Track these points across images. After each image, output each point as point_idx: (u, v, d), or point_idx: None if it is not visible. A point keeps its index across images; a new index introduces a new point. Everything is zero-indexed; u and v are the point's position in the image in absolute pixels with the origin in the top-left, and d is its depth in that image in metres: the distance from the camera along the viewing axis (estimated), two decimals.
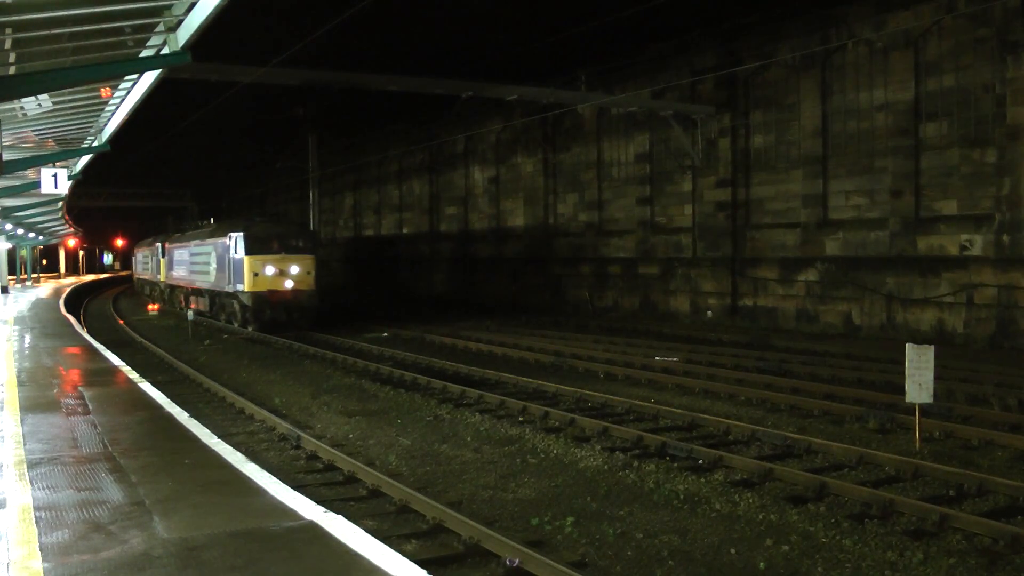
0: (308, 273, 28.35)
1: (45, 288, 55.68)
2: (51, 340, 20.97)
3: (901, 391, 11.77)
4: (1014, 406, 13.80)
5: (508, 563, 7.17)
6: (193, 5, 11.51)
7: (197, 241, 34.67)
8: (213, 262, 31.21)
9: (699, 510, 9.02)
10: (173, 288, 41.13)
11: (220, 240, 30.49)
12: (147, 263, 52.25)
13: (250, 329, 28.08)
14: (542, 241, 38.03)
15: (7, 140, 19.52)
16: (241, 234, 28.38)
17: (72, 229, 71.34)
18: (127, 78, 16.08)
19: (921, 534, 8.12)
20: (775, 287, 26.98)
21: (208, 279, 32.22)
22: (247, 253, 27.81)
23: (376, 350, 23.03)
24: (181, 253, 38.11)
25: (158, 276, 44.65)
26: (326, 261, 51.12)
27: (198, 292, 35.42)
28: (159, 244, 44.38)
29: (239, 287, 28.22)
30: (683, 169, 30.52)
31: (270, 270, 27.56)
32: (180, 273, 38.34)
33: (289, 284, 27.76)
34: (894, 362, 13.19)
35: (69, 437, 9.41)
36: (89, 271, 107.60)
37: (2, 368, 15.23)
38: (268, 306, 27.60)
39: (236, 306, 29.04)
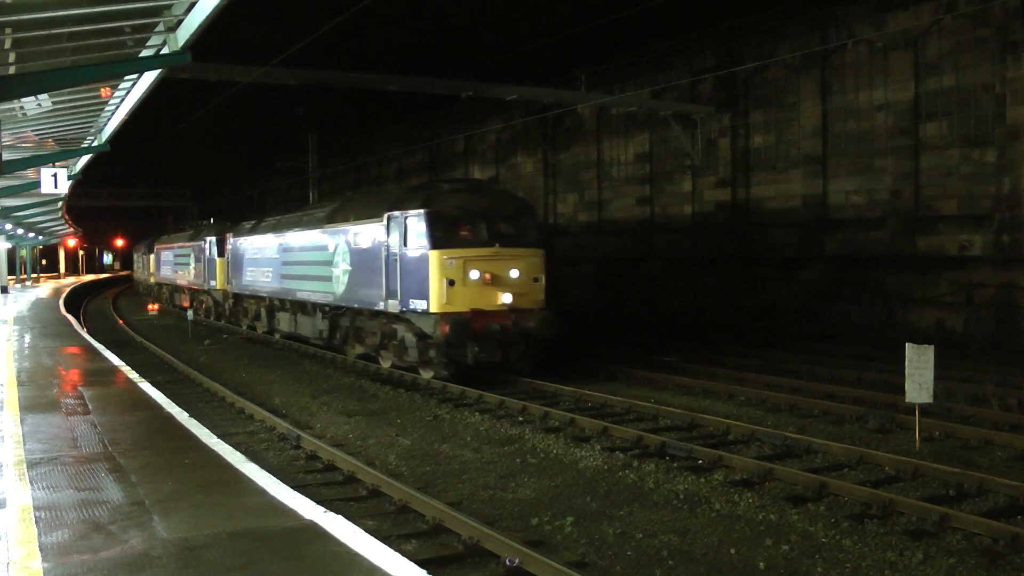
0: (535, 280, 16.72)
1: (45, 288, 55.66)
2: (51, 340, 20.97)
3: (901, 391, 11.77)
4: (1014, 406, 13.80)
5: (508, 563, 7.17)
6: (193, 5, 11.51)
7: (298, 230, 23.19)
8: (342, 262, 19.53)
9: (699, 510, 9.02)
10: (239, 299, 30.02)
11: (361, 226, 18.72)
12: (177, 264, 40.44)
13: (427, 377, 16.96)
14: None
15: (7, 140, 19.53)
16: (422, 212, 16.39)
17: (72, 229, 71.32)
18: (127, 78, 16.08)
19: (921, 534, 8.11)
20: (775, 286, 26.99)
21: (328, 289, 20.48)
22: (433, 246, 16.06)
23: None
24: (262, 249, 26.25)
25: (210, 283, 33.37)
26: None
27: (296, 308, 23.60)
28: (209, 239, 33.29)
29: (415, 305, 16.32)
30: (683, 169, 30.53)
31: (475, 275, 16.04)
32: (260, 280, 26.36)
33: (507, 299, 16.18)
34: (894, 362, 13.18)
35: (69, 437, 9.41)
36: (89, 271, 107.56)
37: (2, 368, 15.23)
38: (472, 337, 15.90)
39: (404, 335, 17.31)
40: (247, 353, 23.31)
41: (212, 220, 42.98)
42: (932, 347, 11.48)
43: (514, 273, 16.35)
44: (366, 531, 6.17)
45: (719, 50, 28.99)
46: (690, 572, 7.40)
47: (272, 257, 24.88)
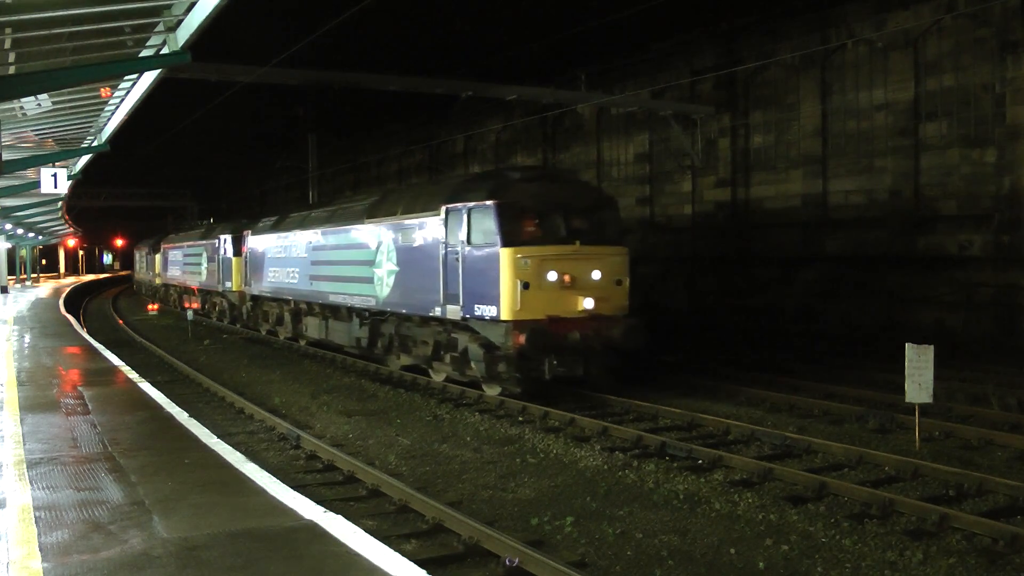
0: (618, 283, 14.82)
1: (45, 288, 55.66)
2: (51, 340, 20.97)
3: (901, 391, 11.77)
4: (1014, 406, 13.80)
5: (508, 563, 7.17)
6: (193, 5, 11.51)
7: (331, 226, 20.71)
8: (387, 261, 17.40)
9: (699, 510, 9.02)
10: (258, 301, 27.38)
11: (411, 220, 16.51)
12: (186, 264, 37.48)
13: (492, 393, 15.03)
14: None
15: (7, 140, 19.53)
16: (490, 204, 14.24)
17: (72, 229, 71.34)
18: (127, 78, 16.09)
19: (921, 534, 8.12)
20: (775, 286, 26.98)
21: (368, 292, 18.21)
22: (505, 243, 13.92)
23: None
24: (287, 248, 23.63)
25: (225, 284, 30.81)
26: None
27: (328, 313, 21.28)
28: (223, 237, 30.49)
29: (482, 311, 14.24)
30: (683, 169, 30.53)
31: (553, 277, 14.04)
32: (285, 281, 23.70)
33: (588, 304, 14.22)
34: (894, 361, 13.18)
35: (69, 437, 9.41)
36: (89, 271, 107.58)
37: (2, 368, 15.23)
38: (551, 346, 13.88)
39: (467, 346, 14.97)
40: (247, 353, 23.30)
41: (212, 220, 42.90)
42: (932, 347, 11.48)
43: (596, 275, 14.41)
44: (366, 531, 6.17)
45: (719, 50, 28.99)
46: (690, 572, 7.40)
47: (299, 256, 22.68)
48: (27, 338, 21.28)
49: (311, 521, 6.33)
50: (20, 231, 51.29)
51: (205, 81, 21.16)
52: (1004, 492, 9.30)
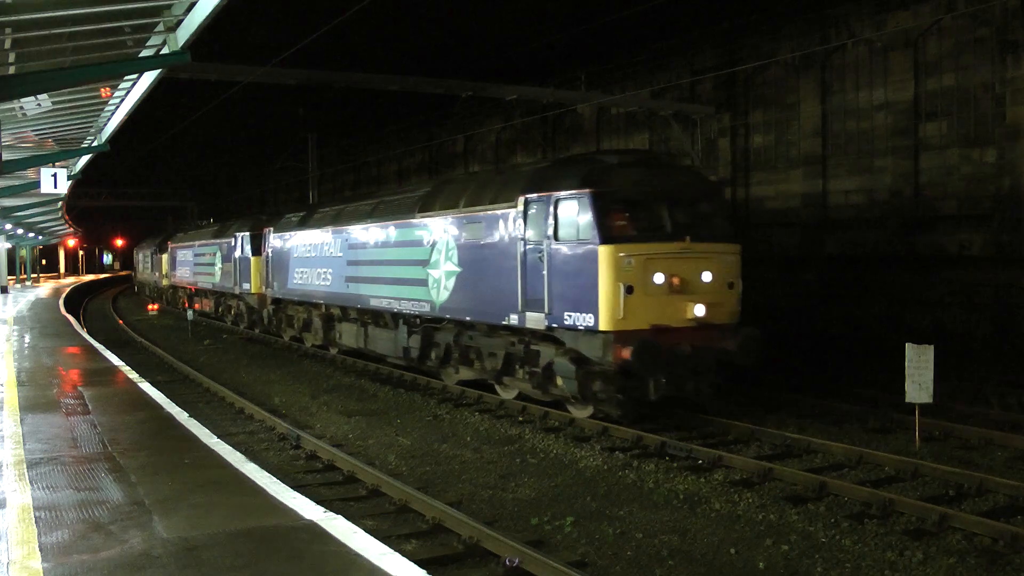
0: (730, 286, 12.85)
1: (45, 288, 55.67)
2: (51, 340, 20.97)
3: (901, 391, 11.77)
4: (1014, 406, 13.80)
5: (508, 563, 7.17)
6: (193, 5, 11.52)
7: (372, 221, 18.56)
8: (445, 261, 15.35)
9: (699, 510, 9.02)
10: (281, 305, 25.28)
11: (478, 213, 14.48)
12: (197, 264, 35.32)
13: (582, 416, 13.09)
14: None
15: (7, 140, 19.53)
16: (586, 194, 12.21)
17: (72, 229, 71.36)
18: (127, 78, 16.10)
19: (921, 534, 8.12)
20: (775, 286, 26.97)
21: (421, 296, 16.14)
22: (604, 239, 11.91)
23: None
24: (317, 246, 21.74)
25: (242, 286, 28.21)
26: None
27: (368, 319, 19.21)
28: (240, 235, 28.47)
29: (573, 319, 12.18)
30: None
31: (660, 279, 12.02)
32: (314, 283, 21.71)
33: (699, 311, 12.21)
34: (893, 361, 13.18)
35: (69, 437, 9.41)
36: (89, 271, 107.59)
37: (2, 368, 15.23)
38: (659, 360, 11.80)
39: (555, 360, 12.78)
40: (247, 353, 23.31)
41: (212, 220, 42.84)
42: (932, 347, 11.48)
43: (706, 276, 12.35)
44: (366, 531, 6.17)
45: (719, 50, 28.98)
46: (690, 572, 7.40)
47: (332, 255, 20.51)
48: (27, 338, 21.28)
49: (311, 521, 6.33)
50: (20, 231, 51.32)
51: (205, 81, 21.17)
52: (1004, 492, 9.30)
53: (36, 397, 12.09)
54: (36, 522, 6.33)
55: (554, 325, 12.53)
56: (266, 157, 56.89)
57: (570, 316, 12.22)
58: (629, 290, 11.72)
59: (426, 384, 16.81)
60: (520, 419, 13.65)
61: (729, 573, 7.37)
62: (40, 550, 5.71)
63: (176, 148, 49.75)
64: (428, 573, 5.36)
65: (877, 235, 24.21)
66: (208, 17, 11.40)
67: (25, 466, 8.05)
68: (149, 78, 15.82)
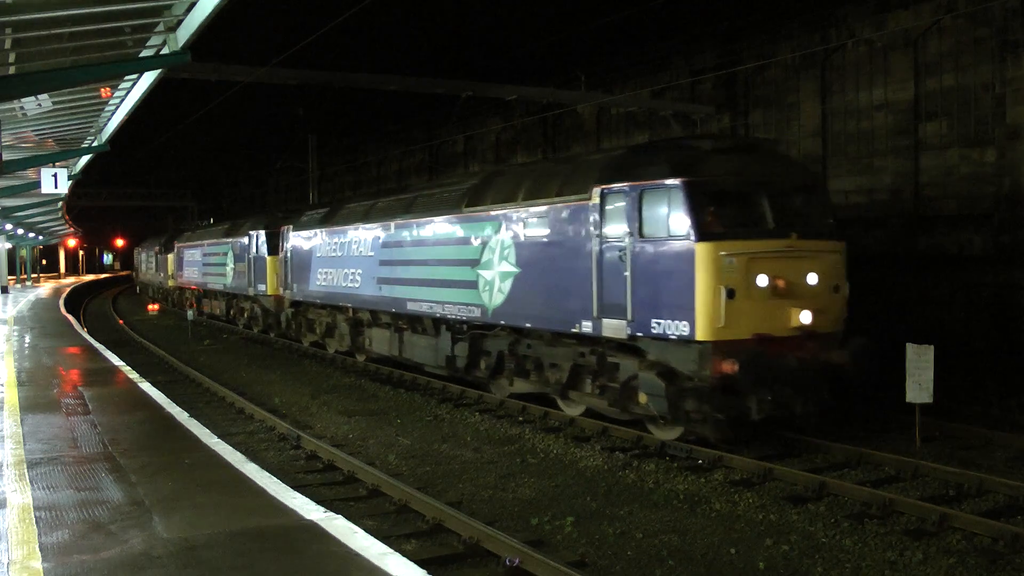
0: (836, 289, 11.35)
1: (45, 288, 55.66)
2: (51, 340, 20.97)
3: (901, 390, 11.77)
4: (1014, 406, 13.80)
5: (508, 563, 7.17)
6: (193, 5, 11.52)
7: (410, 217, 16.95)
8: (500, 261, 13.91)
9: (699, 510, 9.02)
10: (300, 308, 23.70)
11: (540, 207, 12.97)
12: (207, 264, 33.46)
13: (669, 438, 11.50)
14: None
15: (7, 140, 19.52)
16: (677, 183, 10.72)
17: (72, 229, 71.38)
18: (127, 78, 16.10)
19: (921, 534, 8.12)
20: None
21: (470, 299, 14.66)
22: (701, 236, 10.44)
23: None
24: (345, 245, 19.99)
25: (258, 287, 26.65)
26: None
27: (405, 324, 17.55)
28: (255, 233, 26.99)
29: (663, 327, 10.76)
30: None
31: (763, 282, 10.60)
32: (341, 285, 20.00)
33: (806, 318, 10.76)
34: (894, 361, 13.18)
35: (69, 437, 9.41)
36: (89, 271, 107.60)
37: (2, 368, 15.23)
38: (767, 375, 10.41)
39: (640, 374, 11.27)
40: (247, 353, 23.31)
41: (212, 219, 42.82)
42: (932, 347, 11.48)
43: (812, 278, 10.87)
44: (366, 531, 6.17)
45: (719, 50, 28.98)
46: (690, 572, 7.40)
47: (362, 254, 18.81)
48: (27, 338, 21.28)
49: (311, 521, 6.33)
50: (20, 231, 51.31)
51: (205, 81, 21.15)
52: (1004, 492, 9.30)
53: (36, 397, 12.10)
54: (36, 522, 6.33)
55: (638, 334, 11.05)
56: (266, 157, 56.93)
57: (658, 324, 10.74)
58: (731, 294, 10.25)
59: (426, 384, 16.80)
60: (520, 419, 13.65)
61: (729, 573, 7.38)
62: (40, 550, 5.71)
63: (176, 148, 49.73)
64: (428, 573, 5.36)
65: (877, 235, 24.21)
66: (208, 17, 11.40)
67: (25, 466, 8.05)
68: (149, 78, 15.82)
